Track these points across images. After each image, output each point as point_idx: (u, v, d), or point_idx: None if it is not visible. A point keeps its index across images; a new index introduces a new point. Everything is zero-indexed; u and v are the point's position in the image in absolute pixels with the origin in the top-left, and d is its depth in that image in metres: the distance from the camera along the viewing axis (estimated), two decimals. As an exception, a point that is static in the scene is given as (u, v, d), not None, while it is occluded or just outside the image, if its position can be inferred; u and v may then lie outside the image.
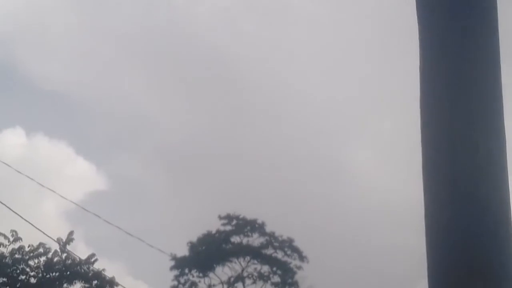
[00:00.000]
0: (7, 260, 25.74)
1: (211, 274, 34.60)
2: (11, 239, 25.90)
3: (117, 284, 26.30)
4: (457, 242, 3.50)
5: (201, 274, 34.69)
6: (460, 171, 3.60)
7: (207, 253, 34.35)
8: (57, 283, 26.31)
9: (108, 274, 25.42)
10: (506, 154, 3.67)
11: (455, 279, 3.46)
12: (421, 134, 3.83)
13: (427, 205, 3.68)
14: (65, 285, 26.45)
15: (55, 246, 26.25)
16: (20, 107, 70.62)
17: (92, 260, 26.57)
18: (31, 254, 26.11)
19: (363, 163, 66.47)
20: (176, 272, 34.56)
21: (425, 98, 3.87)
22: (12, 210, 22.49)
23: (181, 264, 34.49)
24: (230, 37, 73.12)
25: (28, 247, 26.11)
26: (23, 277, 26.17)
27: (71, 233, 26.68)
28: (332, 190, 62.45)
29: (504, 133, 3.71)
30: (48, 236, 26.42)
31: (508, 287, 3.43)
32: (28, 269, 26.14)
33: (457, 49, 3.81)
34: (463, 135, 3.66)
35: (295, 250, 34.98)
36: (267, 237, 35.03)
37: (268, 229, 35.16)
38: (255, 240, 35.07)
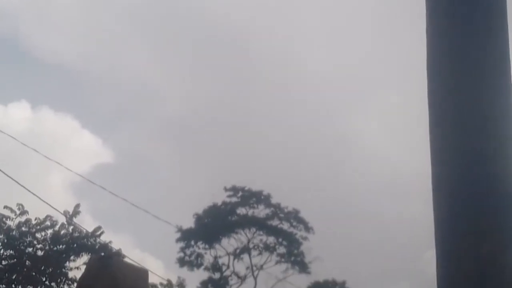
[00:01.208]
0: (14, 233, 25.83)
1: (217, 246, 34.81)
2: (18, 212, 25.97)
3: (124, 256, 26.43)
4: (464, 207, 3.53)
5: (207, 246, 34.86)
6: (467, 136, 3.61)
7: (213, 225, 34.46)
8: (64, 255, 26.41)
9: (115, 246, 25.46)
10: None
11: (462, 244, 3.49)
12: (428, 101, 3.83)
13: (435, 171, 3.70)
14: (72, 257, 26.57)
15: (61, 219, 26.34)
16: (25, 80, 70.65)
17: (99, 232, 26.64)
18: (38, 227, 26.18)
19: (370, 135, 66.52)
20: (182, 244, 34.77)
21: (432, 66, 3.86)
22: (18, 183, 22.58)
23: (187, 236, 34.64)
24: (236, 6, 72.59)
25: (35, 220, 26.18)
26: (30, 249, 26.27)
27: (77, 205, 26.74)
28: (339, 161, 62.53)
29: (510, 93, 3.72)
30: (55, 209, 26.57)
31: None
32: (35, 242, 26.22)
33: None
34: (469, 102, 3.66)
35: (301, 221, 35.09)
36: (272, 209, 35.13)
37: (273, 200, 35.25)
38: (261, 211, 35.23)
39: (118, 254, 25.52)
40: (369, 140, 66.64)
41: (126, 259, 26.54)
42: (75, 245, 26.33)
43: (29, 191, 23.11)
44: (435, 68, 3.83)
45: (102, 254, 20.25)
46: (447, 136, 3.68)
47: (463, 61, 3.73)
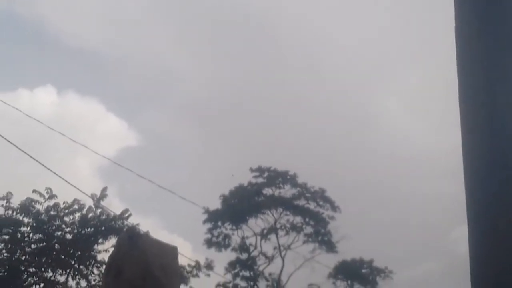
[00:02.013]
0: (42, 217, 26.05)
1: (244, 227, 34.87)
2: (46, 196, 26.18)
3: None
4: (497, 185, 3.49)
5: (234, 227, 34.92)
6: (499, 114, 3.56)
7: (239, 205, 34.50)
8: (92, 238, 26.62)
9: (143, 228, 25.59)
10: None
11: (495, 222, 3.45)
12: (458, 79, 3.79)
13: (466, 147, 3.66)
14: (100, 240, 26.76)
15: (89, 202, 26.53)
16: (51, 65, 71.01)
17: (126, 215, 26.81)
18: (66, 211, 26.39)
19: (395, 113, 66.09)
20: (209, 225, 34.86)
21: (461, 41, 3.82)
22: (46, 167, 22.72)
23: (214, 217, 34.72)
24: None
25: (63, 203, 26.39)
26: (59, 233, 26.48)
27: (104, 189, 26.91)
28: (364, 140, 62.29)
29: None
30: (83, 192, 26.73)
31: None
32: (63, 225, 26.44)
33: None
34: (501, 78, 3.62)
35: (327, 200, 35.04)
36: (299, 188, 35.10)
37: (299, 180, 35.21)
38: (287, 191, 35.21)
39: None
40: (393, 119, 66.31)
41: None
42: (103, 228, 26.52)
43: (56, 175, 23.26)
44: (465, 44, 3.79)
45: (131, 232, 20.29)
46: (478, 114, 3.64)
47: (494, 34, 3.68)
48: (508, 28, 3.69)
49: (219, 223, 34.83)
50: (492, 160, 3.54)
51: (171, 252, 4.43)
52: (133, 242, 4.26)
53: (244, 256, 34.55)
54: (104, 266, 25.94)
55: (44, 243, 26.15)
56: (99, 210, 26.57)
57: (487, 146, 3.57)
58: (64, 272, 26.36)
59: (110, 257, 4.33)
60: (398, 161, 60.66)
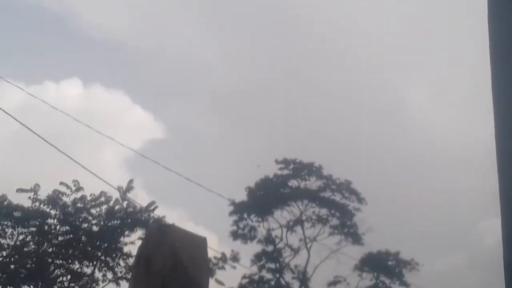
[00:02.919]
0: (69, 209, 26.21)
1: (269, 219, 34.87)
2: (73, 188, 26.34)
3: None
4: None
5: (260, 219, 34.94)
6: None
7: (265, 197, 34.51)
8: (118, 230, 26.75)
9: (169, 220, 25.66)
10: None
11: None
12: (491, 72, 3.75)
13: (498, 134, 3.63)
14: (126, 232, 26.88)
15: (116, 195, 26.64)
16: (77, 58, 71.50)
17: (152, 207, 26.88)
18: (93, 203, 26.52)
19: (424, 103, 65.74)
20: (235, 217, 34.91)
21: (495, 33, 3.78)
22: (73, 159, 22.81)
23: (239, 209, 34.77)
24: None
25: (90, 196, 26.53)
26: (85, 225, 26.65)
27: (131, 181, 27.01)
28: (392, 131, 62.05)
29: None
30: (109, 185, 26.81)
31: None
32: (90, 218, 26.59)
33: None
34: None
35: (353, 192, 34.94)
36: (324, 180, 35.03)
37: (325, 172, 35.14)
38: (313, 183, 35.16)
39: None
40: (422, 109, 65.95)
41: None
42: (129, 220, 26.62)
43: (83, 167, 23.34)
44: (498, 38, 3.75)
45: (160, 223, 20.39)
46: (511, 100, 3.60)
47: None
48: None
49: (245, 215, 34.86)
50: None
51: (200, 243, 4.44)
52: (162, 233, 4.27)
53: (270, 248, 34.58)
54: (130, 258, 26.11)
55: (71, 235, 26.32)
56: (125, 202, 26.69)
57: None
58: (90, 264, 26.53)
59: (140, 248, 4.35)
60: (426, 152, 60.39)
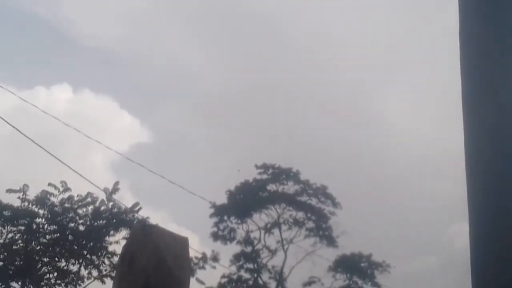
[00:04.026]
0: (57, 209, 26.10)
1: (249, 221, 34.85)
2: (61, 189, 26.24)
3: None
4: (497, 180, 3.47)
5: (239, 221, 34.92)
6: (501, 114, 3.55)
7: (244, 201, 34.51)
8: (104, 230, 26.65)
9: (153, 221, 25.59)
10: None
11: (494, 216, 3.44)
12: (462, 82, 3.78)
13: (467, 141, 3.65)
14: (111, 232, 26.79)
15: (102, 196, 26.55)
16: (67, 64, 71.31)
17: (137, 208, 26.81)
18: (80, 203, 26.42)
19: (398, 113, 66.21)
20: (215, 219, 34.86)
21: (465, 43, 3.81)
22: (61, 161, 22.72)
23: (220, 212, 34.73)
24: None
25: (77, 196, 26.43)
26: (72, 224, 26.54)
27: (116, 183, 26.92)
28: (366, 138, 62.34)
29: None
30: (96, 186, 26.73)
31: None
32: (77, 217, 26.48)
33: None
34: (503, 79, 3.60)
35: (329, 197, 35.01)
36: (301, 185, 35.07)
37: (302, 177, 35.19)
38: (290, 188, 35.17)
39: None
40: (397, 118, 66.37)
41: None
42: (114, 220, 26.54)
43: (71, 169, 23.26)
44: (468, 46, 3.78)
45: (145, 223, 20.39)
46: (480, 112, 3.63)
47: (497, 33, 3.66)
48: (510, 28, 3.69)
49: (225, 217, 34.83)
50: (495, 158, 3.52)
51: (183, 243, 4.42)
52: (147, 233, 4.25)
53: (249, 249, 34.57)
54: (115, 257, 26.01)
55: (58, 234, 26.22)
56: (111, 203, 26.60)
57: (490, 145, 3.55)
58: (76, 262, 26.45)
59: (124, 247, 4.32)
60: (399, 159, 60.72)
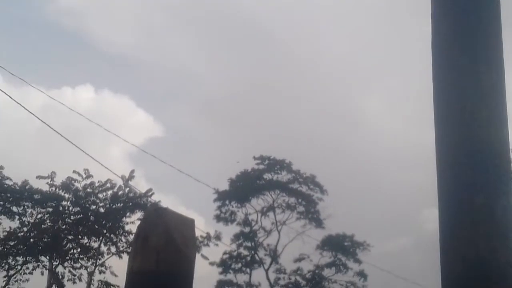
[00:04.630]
0: (80, 193, 26.14)
1: (247, 205, 34.78)
2: (84, 176, 26.28)
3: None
4: (462, 168, 3.52)
5: (239, 205, 34.87)
6: (465, 110, 3.58)
7: (244, 187, 34.47)
8: (121, 212, 26.71)
9: (164, 204, 25.62)
10: (504, 86, 3.68)
11: (460, 197, 3.48)
12: (433, 83, 3.80)
13: (438, 138, 3.68)
14: (128, 213, 26.84)
15: (119, 182, 26.59)
16: (90, 67, 71.52)
17: (150, 193, 26.86)
18: (100, 189, 26.45)
19: (377, 112, 66.36)
20: (218, 203, 34.80)
21: (437, 49, 3.82)
22: (85, 152, 22.73)
23: (222, 197, 34.70)
24: (264, 8, 72.67)
25: (98, 182, 26.47)
26: (94, 207, 26.58)
27: (132, 171, 26.96)
28: (351, 134, 62.50)
29: (502, 69, 3.70)
30: (114, 174, 26.85)
31: (507, 199, 3.46)
32: (97, 201, 26.52)
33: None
34: (467, 82, 3.63)
35: (317, 185, 34.97)
36: (293, 174, 35.01)
37: (294, 167, 35.16)
38: (284, 176, 35.09)
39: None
40: (375, 117, 66.52)
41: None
42: (130, 203, 26.58)
43: (93, 158, 23.28)
44: (439, 53, 3.80)
45: (156, 206, 20.43)
46: (449, 113, 3.66)
47: (464, 48, 3.69)
48: (477, 40, 3.71)
49: (227, 202, 34.76)
50: (461, 152, 3.55)
51: (190, 224, 4.42)
52: (158, 215, 4.25)
53: (247, 229, 34.52)
54: (130, 235, 26.05)
55: (81, 215, 26.26)
56: (127, 189, 26.64)
57: (457, 140, 3.58)
58: (97, 239, 26.49)
59: (138, 227, 4.32)
60: (379, 152, 60.88)
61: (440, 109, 3.69)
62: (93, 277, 26.05)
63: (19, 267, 25.66)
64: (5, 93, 20.22)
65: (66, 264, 26.04)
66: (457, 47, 3.68)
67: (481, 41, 3.67)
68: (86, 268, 26.29)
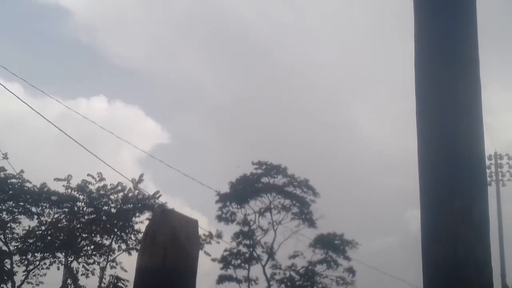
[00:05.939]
0: (94, 195, 26.13)
1: (246, 206, 34.79)
2: (97, 179, 26.25)
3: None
4: (442, 174, 3.52)
5: (239, 206, 34.86)
6: (445, 118, 3.60)
7: (243, 190, 34.49)
8: (131, 212, 26.68)
9: (170, 206, 25.61)
10: (481, 100, 3.70)
11: (440, 200, 3.48)
12: (416, 95, 3.81)
13: (420, 146, 3.69)
14: (137, 214, 26.81)
15: (130, 185, 26.57)
16: (103, 80, 71.66)
17: (157, 195, 26.85)
18: (112, 191, 26.43)
19: (366, 121, 66.56)
20: (220, 204, 34.81)
21: (420, 65, 3.83)
22: (98, 157, 22.76)
23: (223, 199, 34.69)
24: (259, 21, 72.99)
25: (110, 185, 26.45)
26: (106, 208, 26.55)
27: (141, 175, 26.98)
28: (341, 140, 62.65)
29: (478, 85, 3.72)
30: (125, 177, 26.86)
31: (483, 203, 3.47)
32: (109, 202, 26.49)
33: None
34: (447, 92, 3.64)
35: (310, 188, 34.99)
36: (288, 178, 35.03)
37: (289, 172, 35.18)
38: (280, 180, 35.11)
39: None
40: (364, 125, 66.67)
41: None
42: (139, 204, 26.55)
43: (105, 163, 23.33)
44: (422, 68, 3.81)
45: (163, 208, 20.41)
46: (430, 121, 3.67)
47: (443, 66, 3.71)
48: (456, 59, 3.72)
49: (228, 203, 34.76)
50: (441, 160, 3.56)
51: (194, 224, 4.41)
52: (165, 215, 4.24)
53: (246, 228, 34.51)
54: (139, 234, 26.00)
55: (94, 215, 26.23)
56: (137, 191, 26.63)
57: (437, 149, 3.59)
58: (109, 237, 26.45)
59: (147, 226, 4.32)
60: (367, 157, 61.02)
61: (422, 121, 3.71)
62: (105, 272, 26.00)
63: (37, 263, 25.62)
64: (26, 103, 20.26)
65: (80, 260, 26.00)
66: (438, 64, 3.69)
67: (459, 59, 3.69)
68: (98, 263, 26.25)
